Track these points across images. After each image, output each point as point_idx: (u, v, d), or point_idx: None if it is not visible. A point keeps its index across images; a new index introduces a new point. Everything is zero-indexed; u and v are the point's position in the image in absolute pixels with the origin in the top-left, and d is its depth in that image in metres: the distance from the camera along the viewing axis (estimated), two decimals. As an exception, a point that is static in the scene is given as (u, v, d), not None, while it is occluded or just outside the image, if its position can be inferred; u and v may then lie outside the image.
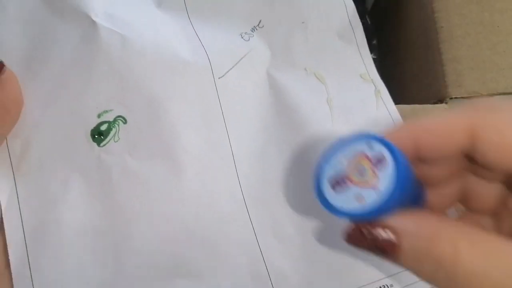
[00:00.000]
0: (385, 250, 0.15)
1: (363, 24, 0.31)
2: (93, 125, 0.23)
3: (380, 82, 0.29)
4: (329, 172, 0.16)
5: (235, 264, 0.24)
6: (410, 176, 0.16)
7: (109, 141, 0.24)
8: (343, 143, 0.16)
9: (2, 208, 0.22)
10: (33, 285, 0.22)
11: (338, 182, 0.16)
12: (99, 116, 0.24)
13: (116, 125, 0.24)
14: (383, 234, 0.15)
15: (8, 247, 0.22)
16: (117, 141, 0.24)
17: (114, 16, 0.24)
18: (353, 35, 0.29)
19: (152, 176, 0.24)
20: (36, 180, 0.23)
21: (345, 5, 0.29)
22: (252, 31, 0.28)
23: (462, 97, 0.29)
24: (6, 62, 0.22)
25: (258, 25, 0.28)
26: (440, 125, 0.16)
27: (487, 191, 0.18)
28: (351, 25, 0.29)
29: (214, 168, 0.25)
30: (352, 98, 0.28)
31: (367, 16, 0.39)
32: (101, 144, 0.23)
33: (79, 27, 0.24)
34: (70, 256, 0.22)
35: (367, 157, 0.15)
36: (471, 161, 0.17)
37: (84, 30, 0.24)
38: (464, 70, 0.29)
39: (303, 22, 0.29)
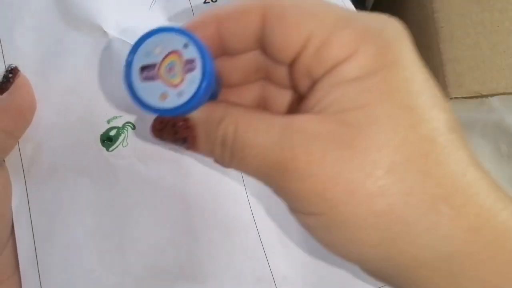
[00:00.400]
0: (186, 139, 0.17)
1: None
2: (102, 130, 0.24)
3: None
4: (142, 60, 0.16)
5: (240, 269, 0.24)
6: (213, 81, 0.17)
7: (117, 146, 0.24)
8: (161, 33, 0.16)
9: (13, 211, 0.23)
10: (41, 287, 0.22)
11: (149, 74, 0.16)
12: (108, 122, 0.24)
13: (125, 131, 0.24)
14: (182, 123, 0.17)
15: (18, 249, 0.22)
16: (125, 146, 0.24)
17: (126, 28, 0.25)
18: None
19: (159, 180, 0.24)
20: (47, 183, 0.23)
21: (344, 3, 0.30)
22: None
23: (463, 97, 0.29)
24: (20, 68, 0.22)
25: None
26: (237, 7, 0.17)
27: (281, 98, 0.20)
28: None
29: (220, 172, 0.25)
30: None
31: (367, 16, 0.39)
32: (110, 149, 0.24)
33: (92, 38, 0.24)
34: (78, 259, 0.23)
35: (180, 56, 0.16)
36: (265, 52, 0.18)
37: (96, 40, 0.24)
38: (464, 70, 0.29)
39: None
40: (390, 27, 0.16)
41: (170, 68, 0.16)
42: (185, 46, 0.16)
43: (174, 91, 0.16)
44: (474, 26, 0.30)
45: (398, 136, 0.15)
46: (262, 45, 0.18)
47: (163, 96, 0.16)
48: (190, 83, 0.16)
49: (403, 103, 0.15)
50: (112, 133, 0.24)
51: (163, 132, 0.18)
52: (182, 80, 0.16)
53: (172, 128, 0.17)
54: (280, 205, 0.25)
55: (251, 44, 0.18)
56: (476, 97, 0.29)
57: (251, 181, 0.25)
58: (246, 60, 0.19)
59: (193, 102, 0.16)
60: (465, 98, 0.29)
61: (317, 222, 0.17)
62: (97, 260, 0.23)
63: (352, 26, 0.16)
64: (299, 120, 0.16)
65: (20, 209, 0.23)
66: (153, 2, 0.27)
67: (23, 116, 0.22)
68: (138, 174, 0.24)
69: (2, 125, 0.21)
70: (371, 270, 0.17)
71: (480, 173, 0.16)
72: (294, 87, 0.19)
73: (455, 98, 0.29)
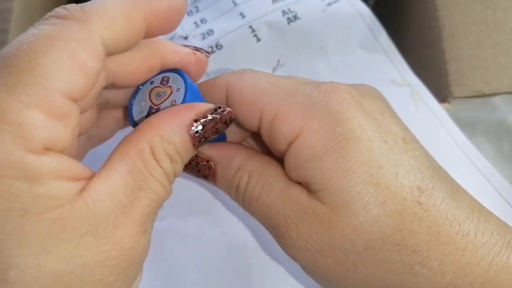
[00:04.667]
0: (206, 175, 0.19)
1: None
2: None
3: (418, 83, 0.29)
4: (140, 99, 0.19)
5: None
6: (196, 96, 0.19)
7: None
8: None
9: None
10: None
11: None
12: None
13: None
14: (205, 163, 0.19)
15: None
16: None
17: None
18: (377, 42, 0.29)
19: (198, 232, 0.25)
20: None
21: (361, 16, 0.29)
22: (273, 71, 0.29)
23: (465, 97, 0.29)
24: None
25: (278, 64, 0.29)
26: (206, 84, 0.19)
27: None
28: (372, 33, 0.30)
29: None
30: None
31: (368, 14, 0.39)
32: None
33: None
34: None
35: (163, 87, 0.19)
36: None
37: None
38: (467, 69, 0.29)
39: (321, 47, 0.29)
40: (334, 96, 0.17)
41: (159, 95, 0.18)
42: (168, 79, 0.18)
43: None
44: (477, 24, 0.30)
45: (371, 216, 0.16)
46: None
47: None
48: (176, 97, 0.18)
49: (367, 179, 0.16)
50: None
51: (187, 167, 0.19)
52: (167, 98, 0.18)
53: (196, 166, 0.19)
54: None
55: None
56: (479, 96, 0.29)
57: None
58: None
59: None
60: (468, 97, 0.29)
61: (317, 279, 0.19)
62: None
63: (297, 101, 0.17)
64: (293, 189, 0.17)
65: None
66: None
67: None
68: (179, 231, 0.25)
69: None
70: None
71: (456, 226, 0.16)
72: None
73: (458, 97, 0.29)
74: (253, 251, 0.25)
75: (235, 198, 0.19)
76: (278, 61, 0.29)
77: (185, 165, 0.18)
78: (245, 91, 0.18)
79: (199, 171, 0.19)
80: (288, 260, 0.25)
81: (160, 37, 0.18)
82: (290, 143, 0.17)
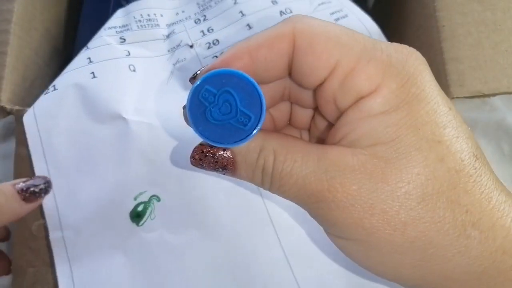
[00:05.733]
0: (225, 166, 0.18)
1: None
2: (131, 207, 0.26)
3: None
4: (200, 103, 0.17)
5: None
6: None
7: (146, 219, 0.26)
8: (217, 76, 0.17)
9: None
10: None
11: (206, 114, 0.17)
12: (135, 198, 0.26)
13: (151, 204, 0.26)
14: (222, 152, 0.18)
15: None
16: (153, 218, 0.26)
17: (142, 109, 0.27)
18: None
19: (188, 247, 0.25)
20: (88, 263, 0.25)
21: (368, 31, 0.30)
22: None
23: (465, 97, 0.29)
24: (58, 164, 0.26)
25: None
26: (269, 36, 0.18)
27: (304, 115, 0.22)
28: None
29: (250, 231, 0.26)
30: None
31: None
32: (140, 224, 0.26)
33: (114, 127, 0.26)
34: None
35: (236, 95, 0.17)
36: (292, 78, 0.19)
37: (118, 128, 0.26)
38: (466, 70, 0.29)
39: None
40: (412, 60, 0.17)
41: (227, 105, 0.17)
42: (240, 87, 0.17)
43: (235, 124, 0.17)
44: (476, 25, 0.30)
45: (428, 169, 0.16)
46: (291, 71, 0.18)
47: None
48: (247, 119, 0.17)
49: (430, 136, 0.16)
50: (140, 208, 0.26)
51: (203, 161, 0.18)
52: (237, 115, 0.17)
53: (213, 158, 0.18)
54: (318, 256, 0.25)
55: (281, 72, 0.19)
56: (478, 96, 0.29)
57: (285, 236, 0.26)
58: (274, 87, 0.20)
59: (250, 136, 0.17)
60: (467, 97, 0.29)
61: (354, 246, 0.18)
62: None
63: (377, 58, 0.17)
64: (333, 152, 0.17)
65: None
66: (170, 76, 0.29)
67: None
68: (168, 243, 0.25)
69: None
70: (407, 286, 0.19)
71: (503, 196, 0.17)
72: (318, 109, 0.20)
73: (457, 97, 0.29)
74: (242, 267, 0.25)
75: (261, 182, 0.18)
76: None
77: (201, 159, 0.18)
78: (318, 40, 0.17)
79: (216, 162, 0.18)
80: (276, 275, 0.25)
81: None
82: (361, 98, 0.17)
